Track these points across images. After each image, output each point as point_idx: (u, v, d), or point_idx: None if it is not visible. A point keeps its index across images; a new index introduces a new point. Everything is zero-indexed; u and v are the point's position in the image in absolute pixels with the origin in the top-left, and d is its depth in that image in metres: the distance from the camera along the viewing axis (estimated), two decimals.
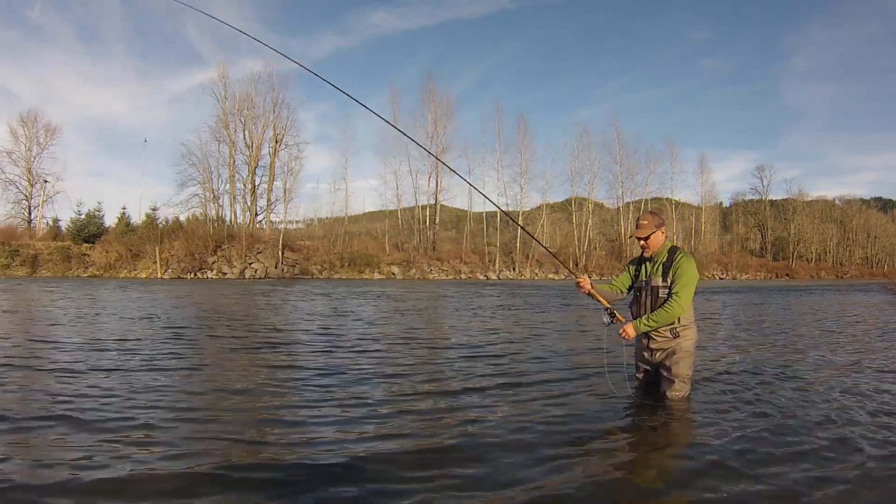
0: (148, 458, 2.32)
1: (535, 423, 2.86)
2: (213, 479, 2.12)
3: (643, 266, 3.32)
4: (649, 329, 3.15)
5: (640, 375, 3.44)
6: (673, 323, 3.13)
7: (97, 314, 8.78)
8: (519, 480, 2.14)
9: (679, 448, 2.57)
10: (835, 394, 3.63)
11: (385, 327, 7.54)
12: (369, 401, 3.35)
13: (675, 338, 3.14)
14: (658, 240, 3.23)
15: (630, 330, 3.18)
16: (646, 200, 48.30)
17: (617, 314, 3.26)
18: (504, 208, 43.20)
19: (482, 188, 39.54)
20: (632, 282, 3.40)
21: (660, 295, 3.16)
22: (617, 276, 3.58)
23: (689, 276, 3.08)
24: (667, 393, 3.17)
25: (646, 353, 3.30)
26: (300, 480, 2.12)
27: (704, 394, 3.54)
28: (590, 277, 3.47)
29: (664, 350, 3.19)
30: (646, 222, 3.22)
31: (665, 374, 3.20)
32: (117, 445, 2.45)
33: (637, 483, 2.19)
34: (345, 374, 4.16)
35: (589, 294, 3.26)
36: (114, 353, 4.97)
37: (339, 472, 2.20)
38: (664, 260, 3.19)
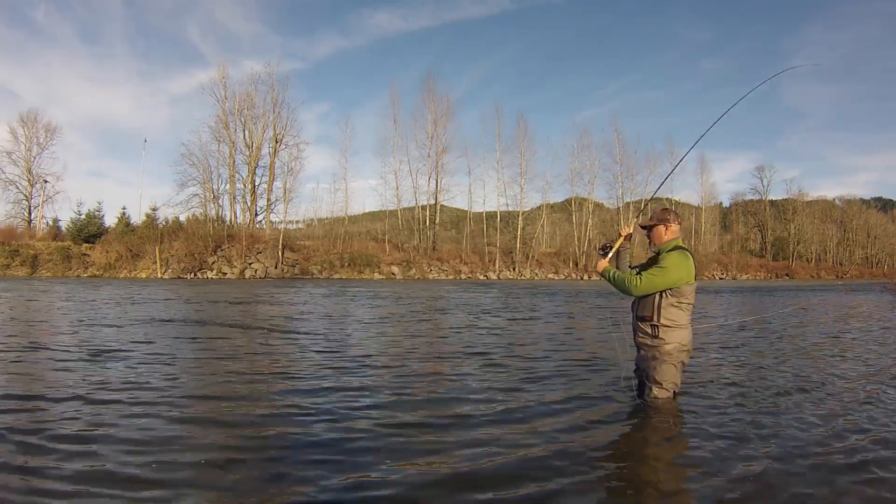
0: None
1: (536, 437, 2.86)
2: None
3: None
4: (606, 277, 3.23)
5: (634, 376, 3.43)
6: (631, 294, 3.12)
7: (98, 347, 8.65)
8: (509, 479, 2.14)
9: (656, 452, 2.58)
10: (834, 396, 3.63)
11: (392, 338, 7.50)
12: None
13: (654, 338, 3.09)
14: (660, 234, 3.23)
15: (600, 263, 3.35)
16: (646, 200, 48.12)
17: (612, 246, 3.38)
18: (504, 208, 43.31)
19: (482, 188, 39.24)
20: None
21: None
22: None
23: (666, 267, 3.03)
24: (646, 397, 3.16)
25: (637, 352, 3.30)
26: None
27: (695, 397, 3.55)
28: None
29: (646, 351, 3.16)
30: (652, 214, 3.30)
31: (644, 377, 3.20)
32: None
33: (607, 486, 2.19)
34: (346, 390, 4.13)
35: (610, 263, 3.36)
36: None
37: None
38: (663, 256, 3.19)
